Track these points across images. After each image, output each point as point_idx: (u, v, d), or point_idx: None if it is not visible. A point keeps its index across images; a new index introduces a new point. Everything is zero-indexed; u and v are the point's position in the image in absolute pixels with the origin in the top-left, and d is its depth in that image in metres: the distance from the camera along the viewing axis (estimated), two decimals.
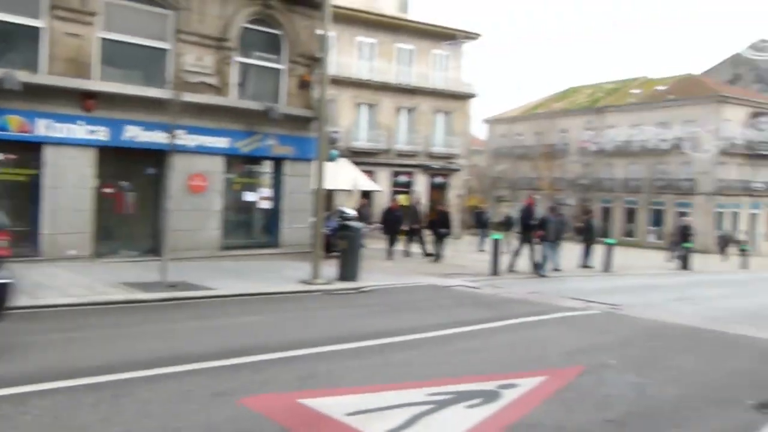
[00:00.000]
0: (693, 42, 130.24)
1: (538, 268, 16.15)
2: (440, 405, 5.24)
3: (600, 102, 54.05)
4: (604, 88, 56.91)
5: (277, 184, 16.32)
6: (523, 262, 17.30)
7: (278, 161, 16.27)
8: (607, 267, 19.27)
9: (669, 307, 12.49)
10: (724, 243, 36.23)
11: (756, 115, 46.36)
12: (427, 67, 32.84)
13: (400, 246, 19.38)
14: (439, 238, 18.70)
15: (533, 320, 9.88)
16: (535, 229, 16.10)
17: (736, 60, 54.07)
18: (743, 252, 29.60)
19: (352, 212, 19.50)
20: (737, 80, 55.63)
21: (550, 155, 50.27)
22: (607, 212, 50.39)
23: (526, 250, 16.83)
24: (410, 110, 32.56)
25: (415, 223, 19.77)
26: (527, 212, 16.99)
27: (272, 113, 15.15)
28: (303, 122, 16.22)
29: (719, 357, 8.11)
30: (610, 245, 19.92)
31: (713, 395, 6.24)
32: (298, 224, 16.27)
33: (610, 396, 5.92)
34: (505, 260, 16.77)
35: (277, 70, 16.25)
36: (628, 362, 7.33)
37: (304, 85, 16.41)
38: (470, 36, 33.28)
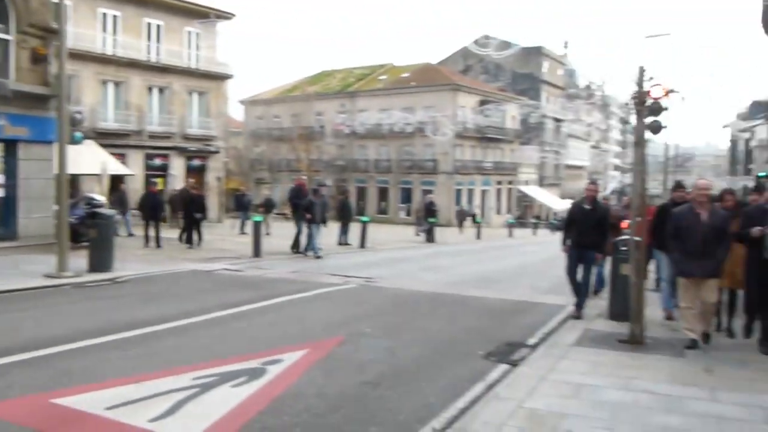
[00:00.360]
0: (431, 31, 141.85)
1: (311, 249, 16.46)
2: (206, 387, 5.30)
3: (352, 86, 56.56)
4: (355, 74, 59.60)
5: (10, 170, 14.57)
6: (282, 243, 17.71)
7: (10, 144, 14.52)
8: (362, 243, 20.49)
9: (416, 276, 13.79)
10: (461, 217, 40.40)
11: (483, 102, 52.27)
12: (179, 45, 31.47)
13: (162, 232, 18.36)
14: (195, 223, 18.09)
15: (296, 298, 10.25)
16: (304, 209, 16.33)
17: (466, 52, 60.26)
18: (477, 224, 33.40)
19: (101, 198, 18.17)
20: (468, 71, 62.11)
21: (307, 137, 51.48)
22: (362, 191, 53.20)
23: (305, 230, 16.93)
24: (162, 89, 30.99)
25: (183, 209, 18.79)
26: (297, 193, 17.25)
27: (0, 89, 13.46)
28: (39, 100, 14.67)
29: (457, 317, 9.23)
30: (364, 223, 21.20)
31: (452, 350, 7.15)
32: (39, 213, 14.75)
33: (366, 360, 6.48)
34: (266, 242, 16.97)
35: (5, 41, 14.44)
36: (381, 329, 8.04)
37: (39, 58, 14.81)
38: (224, 15, 32.56)
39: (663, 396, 5.44)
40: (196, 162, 32.76)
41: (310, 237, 16.44)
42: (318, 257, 16.14)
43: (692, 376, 6.10)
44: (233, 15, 33.08)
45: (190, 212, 18.06)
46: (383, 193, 53.13)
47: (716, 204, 7.54)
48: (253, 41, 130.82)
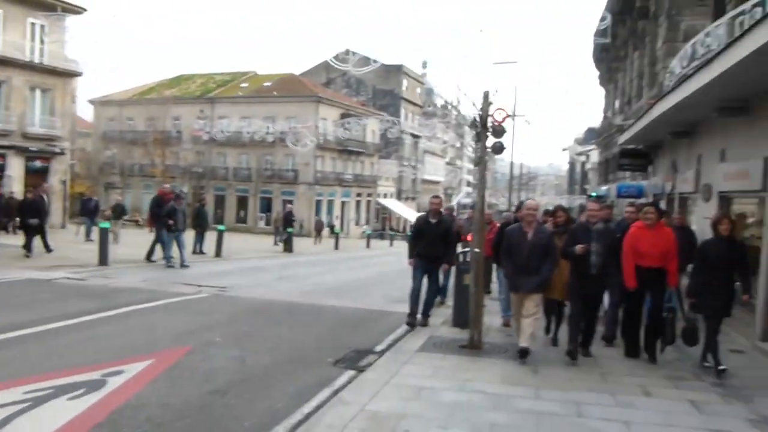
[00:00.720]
0: (295, 42, 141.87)
1: (178, 259, 15.78)
2: (39, 401, 5.05)
3: (212, 92, 55.19)
4: (215, 79, 58.23)
5: None
6: (132, 251, 16.98)
7: None
8: (218, 252, 20.05)
9: (272, 285, 13.77)
10: (319, 227, 40.57)
11: (345, 116, 52.99)
12: (21, 37, 29.10)
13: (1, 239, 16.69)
14: (31, 229, 16.54)
15: (144, 307, 9.88)
16: (166, 215, 15.67)
17: (328, 65, 60.81)
18: (335, 235, 33.77)
19: None
20: (331, 83, 62.82)
21: (163, 142, 49.47)
22: (221, 200, 51.94)
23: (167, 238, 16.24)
24: (0, 84, 28.51)
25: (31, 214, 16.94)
26: (158, 202, 16.57)
27: None
28: None
29: (309, 325, 9.37)
30: (221, 231, 20.77)
31: (302, 358, 7.27)
32: None
33: (214, 370, 6.44)
34: (114, 250, 16.16)
35: None
36: (232, 338, 8.00)
37: None
38: (73, 9, 30.60)
39: (494, 395, 5.91)
40: (38, 163, 30.39)
41: (166, 244, 15.78)
42: (170, 266, 15.59)
43: (521, 377, 6.67)
44: (84, 10, 31.17)
45: (24, 217, 16.57)
46: (243, 202, 52.23)
47: (547, 223, 8.26)
48: (107, 39, 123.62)
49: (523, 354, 7.23)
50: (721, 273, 7.09)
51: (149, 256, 16.44)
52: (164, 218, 15.70)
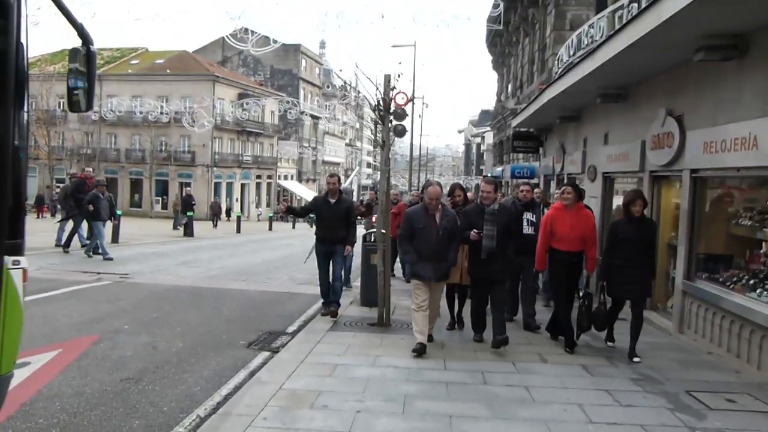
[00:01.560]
0: (188, 18, 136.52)
1: (98, 249, 15.07)
2: None
3: (99, 69, 52.37)
4: (103, 55, 55.25)
5: None
6: (40, 239, 16.11)
7: None
8: (115, 238, 19.34)
9: (175, 271, 13.54)
10: (216, 211, 39.43)
11: (242, 95, 51.87)
12: None
13: None
14: None
15: (42, 297, 9.49)
16: (88, 203, 14.88)
17: (225, 43, 59.15)
18: (236, 218, 33.21)
19: None
20: (227, 62, 61.28)
21: (47, 121, 46.51)
22: (113, 183, 49.64)
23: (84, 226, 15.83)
24: None
25: None
26: (80, 187, 15.80)
27: None
28: None
29: (218, 309, 9.36)
30: (117, 216, 20.00)
31: (214, 341, 7.32)
32: None
33: (126, 357, 6.39)
34: None
35: None
36: (140, 325, 7.91)
37: None
38: None
39: (405, 369, 6.23)
40: None
41: (93, 235, 15.20)
42: (108, 258, 14.62)
43: (429, 351, 6.94)
44: None
45: None
46: (137, 185, 50.22)
47: (446, 201, 8.54)
48: None
49: (430, 339, 7.26)
50: (633, 255, 6.82)
51: (79, 246, 15.89)
52: (86, 205, 14.97)
